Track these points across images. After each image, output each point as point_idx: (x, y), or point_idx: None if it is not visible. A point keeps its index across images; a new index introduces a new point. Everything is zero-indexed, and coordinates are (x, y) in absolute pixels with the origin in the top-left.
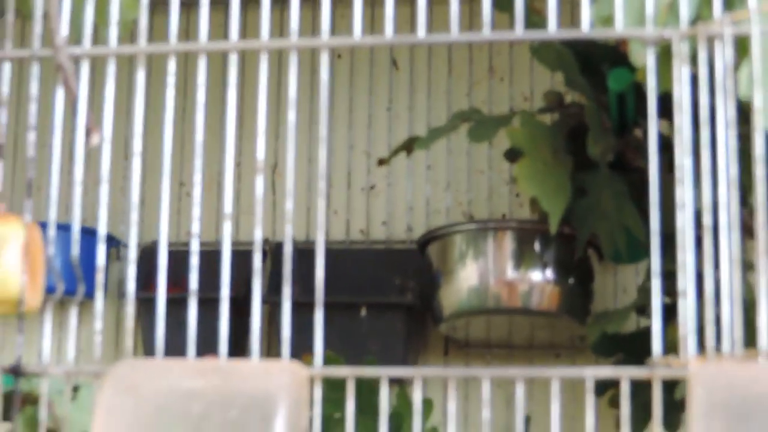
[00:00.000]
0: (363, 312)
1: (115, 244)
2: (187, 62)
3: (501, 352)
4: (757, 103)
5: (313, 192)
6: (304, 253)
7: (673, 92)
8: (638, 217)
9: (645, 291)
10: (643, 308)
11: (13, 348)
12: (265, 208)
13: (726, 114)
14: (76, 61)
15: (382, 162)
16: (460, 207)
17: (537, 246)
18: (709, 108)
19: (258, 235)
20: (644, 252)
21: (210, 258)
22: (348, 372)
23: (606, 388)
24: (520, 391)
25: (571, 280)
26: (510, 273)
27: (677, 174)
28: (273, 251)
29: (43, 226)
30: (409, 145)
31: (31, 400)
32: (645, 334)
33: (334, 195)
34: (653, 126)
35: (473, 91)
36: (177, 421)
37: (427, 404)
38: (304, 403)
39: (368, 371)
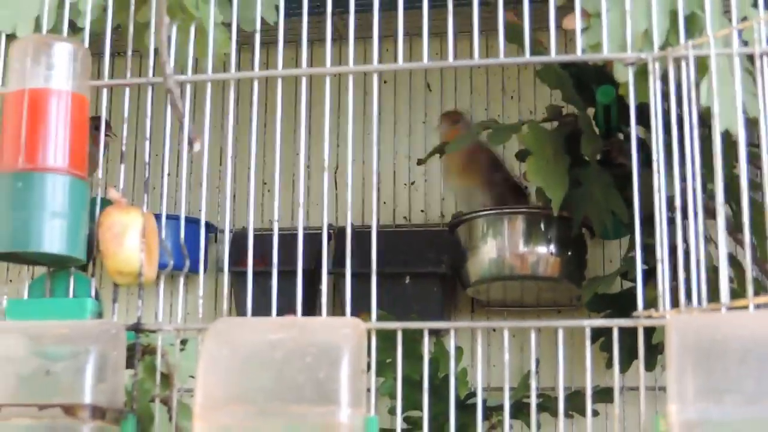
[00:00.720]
0: (407, 280)
1: (213, 230)
2: (267, 86)
3: (515, 310)
4: (716, 110)
5: (367, 187)
6: (360, 235)
7: (649, 103)
8: (621, 202)
9: (627, 260)
10: (625, 273)
11: (135, 311)
12: (330, 200)
13: (690, 119)
14: (181, 85)
15: (420, 162)
16: None
17: (542, 226)
18: (677, 115)
19: (325, 221)
20: (626, 230)
21: (287, 240)
22: (397, 325)
23: (598, 337)
24: (533, 338)
25: (569, 253)
26: (521, 247)
27: (654, 167)
28: (337, 234)
29: (158, 217)
30: (441, 149)
31: (149, 351)
32: (627, 294)
33: (383, 189)
34: (633, 129)
35: (490, 107)
36: (263, 366)
37: (459, 351)
38: (363, 350)
39: (412, 324)
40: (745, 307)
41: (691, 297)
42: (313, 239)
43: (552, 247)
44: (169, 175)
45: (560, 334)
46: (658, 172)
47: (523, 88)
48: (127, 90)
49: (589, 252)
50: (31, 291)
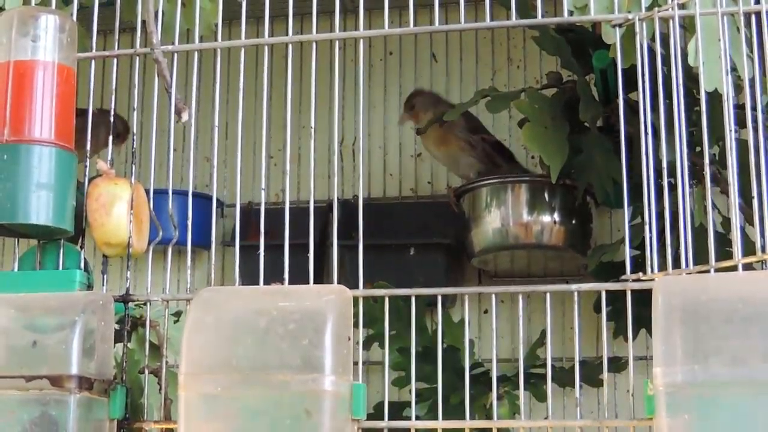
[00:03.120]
0: (412, 251)
1: (219, 205)
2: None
3: (522, 281)
4: (701, 68)
5: (373, 159)
6: (365, 207)
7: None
8: (622, 169)
9: (632, 228)
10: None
11: (142, 283)
12: (332, 173)
13: (677, 80)
14: (169, 56)
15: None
16: None
17: (546, 195)
18: (665, 76)
19: (311, 194)
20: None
21: (294, 213)
22: (384, 292)
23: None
24: (521, 303)
25: (573, 221)
26: (525, 216)
27: (641, 128)
28: (342, 206)
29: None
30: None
31: (141, 323)
32: (633, 261)
33: (389, 161)
34: (621, 91)
35: (496, 77)
36: (247, 334)
37: (462, 323)
38: (349, 317)
39: (399, 291)
40: (734, 268)
41: (679, 259)
42: (317, 213)
43: (556, 216)
44: (175, 150)
45: (548, 298)
46: (645, 133)
47: (529, 58)
48: (115, 60)
49: (596, 221)
50: (22, 263)
